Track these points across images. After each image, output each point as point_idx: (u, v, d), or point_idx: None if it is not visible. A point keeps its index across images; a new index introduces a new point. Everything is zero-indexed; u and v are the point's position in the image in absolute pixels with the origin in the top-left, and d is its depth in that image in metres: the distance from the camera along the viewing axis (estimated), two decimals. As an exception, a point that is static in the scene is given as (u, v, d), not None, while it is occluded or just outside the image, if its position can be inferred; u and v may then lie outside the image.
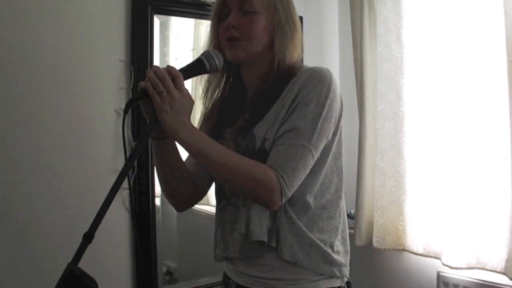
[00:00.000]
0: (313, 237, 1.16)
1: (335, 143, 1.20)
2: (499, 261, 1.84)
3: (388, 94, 2.23)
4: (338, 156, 1.22)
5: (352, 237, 2.22)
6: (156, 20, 1.98)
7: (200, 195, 1.30)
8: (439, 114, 2.06)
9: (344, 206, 1.27)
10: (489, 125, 1.89)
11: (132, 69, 1.86)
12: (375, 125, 2.27)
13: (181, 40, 2.26)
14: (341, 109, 1.21)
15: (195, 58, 1.14)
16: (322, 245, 1.17)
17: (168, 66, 1.05)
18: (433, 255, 2.08)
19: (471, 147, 1.93)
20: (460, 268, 1.94)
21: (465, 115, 1.94)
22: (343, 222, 1.26)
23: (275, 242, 1.15)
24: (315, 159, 1.13)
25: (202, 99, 1.29)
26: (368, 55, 2.29)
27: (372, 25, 2.29)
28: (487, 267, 1.89)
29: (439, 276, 2.09)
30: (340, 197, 1.23)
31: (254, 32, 1.16)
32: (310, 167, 1.12)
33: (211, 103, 1.29)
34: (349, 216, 2.43)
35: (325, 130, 1.13)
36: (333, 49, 2.59)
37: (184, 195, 1.25)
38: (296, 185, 1.10)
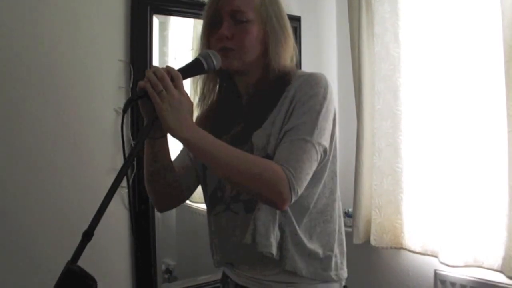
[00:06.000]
0: (311, 247, 1.17)
1: (330, 148, 1.19)
2: (496, 259, 1.86)
3: (385, 93, 2.24)
4: (333, 160, 1.22)
5: (350, 235, 2.23)
6: (156, 20, 1.99)
7: (183, 198, 1.29)
8: (436, 113, 2.06)
9: (341, 207, 1.27)
10: (486, 124, 1.90)
11: (132, 69, 1.86)
12: (372, 124, 2.28)
13: (180, 40, 2.27)
14: (335, 115, 1.19)
15: (194, 58, 1.14)
16: (320, 253, 1.18)
17: (167, 67, 1.05)
18: (430, 253, 2.09)
19: (468, 146, 1.94)
20: (457, 266, 1.95)
21: (462, 114, 1.95)
22: (340, 224, 1.25)
23: (278, 255, 1.15)
24: (320, 155, 1.11)
25: (198, 106, 1.27)
26: (366, 55, 2.30)
27: (370, 25, 2.30)
28: (484, 265, 1.91)
29: (436, 274, 2.09)
30: (335, 200, 1.23)
31: (247, 42, 1.15)
32: (316, 162, 1.10)
33: (205, 109, 1.28)
34: (347, 214, 2.44)
35: (324, 128, 1.12)
36: (331, 49, 2.59)
37: (168, 196, 1.24)
38: (304, 178, 1.07)
